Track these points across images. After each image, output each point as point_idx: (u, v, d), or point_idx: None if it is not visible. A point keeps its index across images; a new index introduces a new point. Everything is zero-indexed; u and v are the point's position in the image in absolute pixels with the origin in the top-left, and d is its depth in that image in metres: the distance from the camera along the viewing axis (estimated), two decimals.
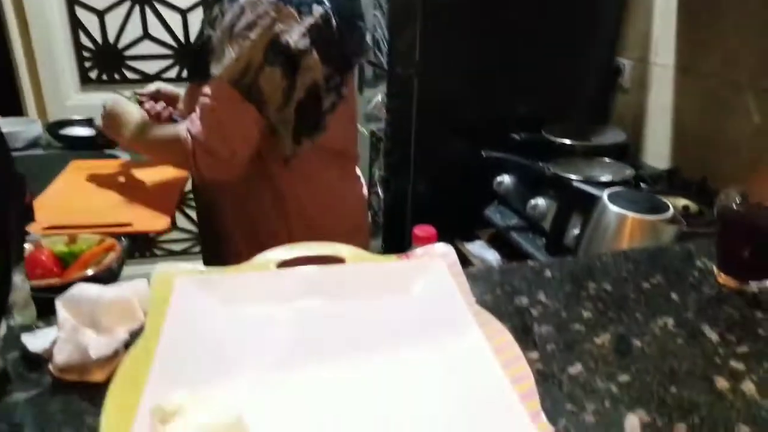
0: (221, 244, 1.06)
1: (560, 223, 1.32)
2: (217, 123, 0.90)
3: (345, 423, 0.48)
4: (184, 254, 2.36)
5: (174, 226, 1.75)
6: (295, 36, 0.87)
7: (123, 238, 0.99)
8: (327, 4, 0.91)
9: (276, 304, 0.61)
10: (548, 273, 0.74)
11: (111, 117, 1.07)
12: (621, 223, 1.10)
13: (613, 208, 1.12)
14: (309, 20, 0.88)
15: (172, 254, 2.37)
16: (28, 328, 0.60)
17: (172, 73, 2.15)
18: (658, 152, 1.58)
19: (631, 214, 1.09)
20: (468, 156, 1.58)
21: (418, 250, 0.70)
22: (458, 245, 1.59)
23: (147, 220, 1.08)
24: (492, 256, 1.53)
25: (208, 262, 1.12)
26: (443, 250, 0.69)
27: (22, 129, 1.50)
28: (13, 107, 2.00)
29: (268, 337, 0.56)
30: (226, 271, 0.64)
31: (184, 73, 2.16)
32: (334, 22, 0.91)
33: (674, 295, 0.70)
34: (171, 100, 1.19)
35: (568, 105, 1.72)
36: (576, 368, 0.56)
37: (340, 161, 1.07)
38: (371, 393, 0.51)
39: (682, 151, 1.51)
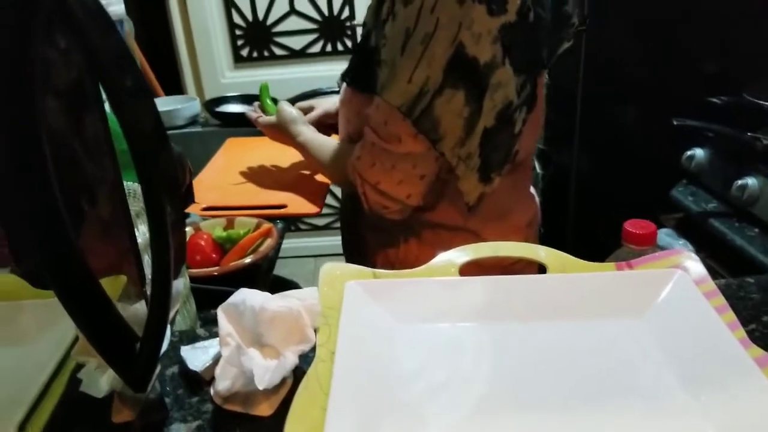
0: (360, 241, 0.92)
1: None
2: (390, 166, 0.74)
3: None
4: (326, 229, 2.38)
5: None
6: (484, 45, 0.67)
7: (278, 222, 0.94)
8: None
9: (463, 323, 0.49)
10: None
11: (276, 128, 1.00)
12: None
13: None
14: (502, 19, 0.66)
15: (315, 229, 2.40)
16: (189, 335, 0.54)
17: (317, 48, 2.12)
18: None
19: None
20: (644, 125, 1.33)
21: (645, 257, 0.54)
22: None
23: (301, 202, 1.01)
24: (684, 248, 1.28)
25: (348, 252, 1.01)
26: (686, 259, 0.52)
27: (183, 106, 1.53)
28: (174, 86, 2.10)
29: (458, 370, 0.44)
30: (401, 275, 0.53)
31: (328, 48, 2.12)
32: (531, 14, 0.69)
33: None
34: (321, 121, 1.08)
35: None
36: None
37: (512, 173, 0.82)
38: None
39: None
